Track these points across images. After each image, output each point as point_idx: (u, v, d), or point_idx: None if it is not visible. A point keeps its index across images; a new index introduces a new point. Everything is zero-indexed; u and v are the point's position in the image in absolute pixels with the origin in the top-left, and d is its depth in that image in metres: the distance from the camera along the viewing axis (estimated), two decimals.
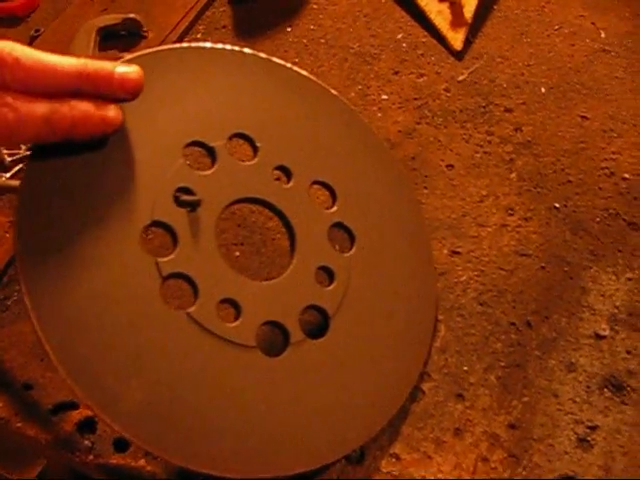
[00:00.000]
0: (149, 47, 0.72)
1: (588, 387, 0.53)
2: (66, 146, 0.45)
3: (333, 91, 0.58)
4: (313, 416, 0.48)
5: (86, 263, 0.44)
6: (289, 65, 0.56)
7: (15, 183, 0.52)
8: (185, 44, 0.54)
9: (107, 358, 0.43)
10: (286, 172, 0.53)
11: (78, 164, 0.46)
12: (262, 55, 0.55)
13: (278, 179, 0.54)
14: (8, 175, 0.64)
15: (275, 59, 0.56)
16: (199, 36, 0.75)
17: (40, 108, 0.42)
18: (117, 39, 0.74)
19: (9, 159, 0.65)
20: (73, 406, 0.53)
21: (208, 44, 0.54)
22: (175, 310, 0.46)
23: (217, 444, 0.45)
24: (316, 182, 0.54)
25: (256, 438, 0.46)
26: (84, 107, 0.44)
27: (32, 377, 0.55)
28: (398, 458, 0.51)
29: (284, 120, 0.54)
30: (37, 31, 0.78)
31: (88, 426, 0.53)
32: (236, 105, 0.53)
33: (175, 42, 0.73)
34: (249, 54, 0.55)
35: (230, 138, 0.52)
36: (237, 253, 0.60)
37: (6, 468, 0.59)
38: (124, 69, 0.45)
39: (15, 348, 0.56)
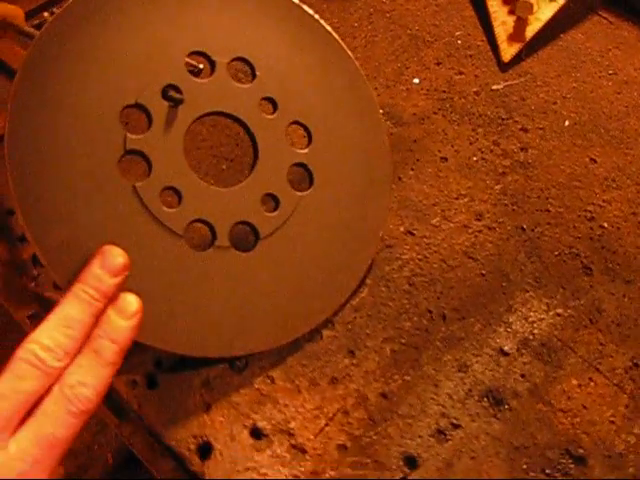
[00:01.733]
0: None
1: (470, 390, 0.56)
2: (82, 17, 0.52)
3: (349, 53, 0.62)
4: (211, 314, 0.54)
5: (67, 122, 0.51)
6: (317, 16, 0.61)
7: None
8: None
9: (55, 195, 0.50)
10: (273, 104, 0.58)
11: (87, 37, 0.53)
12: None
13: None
14: None
15: (305, 7, 0.61)
16: None
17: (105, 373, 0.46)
18: None
19: None
20: None
21: None
22: (125, 180, 0.52)
23: None
24: (297, 122, 0.59)
25: (158, 309, 0.52)
26: (113, 326, 0.47)
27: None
28: (273, 381, 0.55)
29: (289, 60, 0.59)
30: None
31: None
32: (250, 33, 0.58)
33: None
34: None
35: (233, 60, 0.57)
36: (224, 167, 0.66)
37: None
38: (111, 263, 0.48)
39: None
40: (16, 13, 0.67)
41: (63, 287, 0.50)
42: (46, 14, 0.75)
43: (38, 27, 0.74)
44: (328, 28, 0.61)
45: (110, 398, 0.60)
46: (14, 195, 0.50)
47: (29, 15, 0.73)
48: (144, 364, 0.55)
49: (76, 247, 0.50)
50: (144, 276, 0.52)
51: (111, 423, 0.64)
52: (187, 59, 0.55)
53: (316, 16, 0.61)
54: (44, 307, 0.59)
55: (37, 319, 0.61)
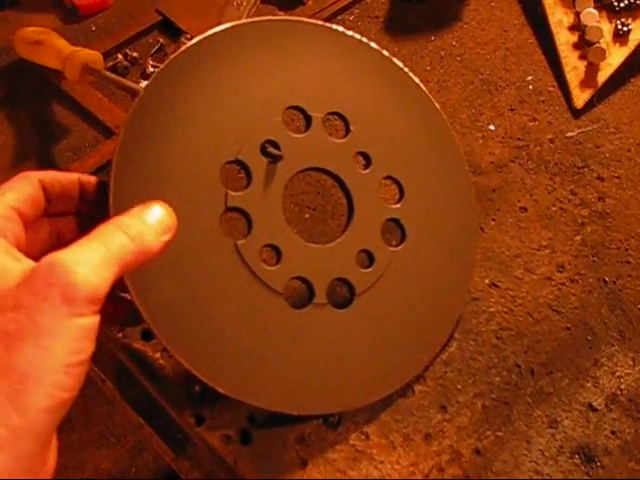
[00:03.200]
0: (304, 13, 0.80)
1: (561, 447, 0.56)
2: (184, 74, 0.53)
3: (437, 105, 0.62)
4: (306, 371, 0.54)
5: (169, 179, 0.51)
6: (406, 69, 0.61)
7: (132, 85, 0.59)
8: (317, 21, 0.60)
9: (160, 256, 0.50)
10: (366, 159, 0.58)
11: (189, 93, 0.53)
12: (384, 53, 0.61)
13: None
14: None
15: (395, 60, 0.61)
16: (351, 18, 0.81)
17: None
18: None
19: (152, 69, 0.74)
20: None
21: (340, 28, 0.60)
22: (226, 237, 0.52)
23: (222, 358, 0.52)
24: (390, 177, 0.59)
25: (254, 367, 0.53)
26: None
27: None
28: (368, 437, 0.56)
29: (381, 114, 0.60)
30: None
31: None
32: (343, 87, 0.59)
33: (328, 17, 0.79)
34: (373, 48, 0.60)
35: (328, 114, 0.58)
36: (307, 215, 0.66)
37: None
38: None
39: None
40: (96, 58, 0.68)
41: (164, 343, 0.50)
42: (120, 56, 0.75)
43: (112, 69, 0.74)
44: (416, 80, 0.62)
45: (166, 432, 0.61)
46: None
47: (103, 57, 0.73)
48: (237, 419, 0.56)
49: (178, 303, 0.51)
50: (242, 333, 0.53)
51: (167, 457, 0.65)
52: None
53: (405, 68, 0.61)
54: (132, 358, 0.59)
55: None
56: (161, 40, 0.77)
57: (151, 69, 0.73)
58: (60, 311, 0.35)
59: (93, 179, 0.50)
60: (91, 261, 0.37)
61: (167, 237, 0.42)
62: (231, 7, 0.77)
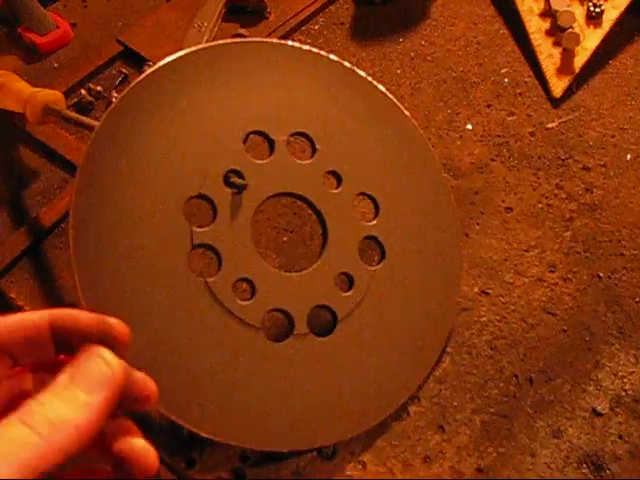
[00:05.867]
0: (268, 28, 0.77)
1: (567, 457, 0.54)
2: (140, 106, 0.51)
3: (406, 112, 0.60)
4: (294, 406, 0.52)
5: (131, 220, 0.50)
6: (369, 79, 0.59)
7: (95, 123, 0.57)
8: (272, 40, 0.58)
9: (123, 297, 0.49)
10: (337, 178, 0.56)
11: (145, 127, 0.51)
12: (345, 64, 0.59)
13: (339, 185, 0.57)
14: None
15: (358, 70, 0.59)
16: (316, 27, 0.79)
17: None
18: (241, 14, 0.79)
19: None
20: None
21: (296, 44, 0.58)
22: (196, 277, 0.51)
23: (204, 402, 0.50)
24: (363, 193, 0.57)
25: (240, 407, 0.51)
26: None
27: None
28: (364, 466, 0.54)
29: (348, 128, 0.57)
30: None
31: None
32: (305, 105, 0.57)
33: (292, 28, 0.77)
34: (332, 60, 0.58)
35: (292, 135, 0.56)
36: (285, 238, 0.64)
37: None
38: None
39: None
40: (56, 98, 0.66)
41: None
42: (83, 91, 0.73)
43: (77, 105, 0.72)
44: (382, 88, 0.60)
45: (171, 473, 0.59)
46: (82, 296, 0.48)
47: (67, 94, 0.71)
48: (230, 460, 0.54)
49: (151, 350, 0.49)
50: (222, 373, 0.51)
51: None
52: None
53: (369, 78, 0.59)
54: None
55: None
56: (124, 70, 0.75)
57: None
58: None
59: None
60: None
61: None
62: (192, 30, 0.74)
